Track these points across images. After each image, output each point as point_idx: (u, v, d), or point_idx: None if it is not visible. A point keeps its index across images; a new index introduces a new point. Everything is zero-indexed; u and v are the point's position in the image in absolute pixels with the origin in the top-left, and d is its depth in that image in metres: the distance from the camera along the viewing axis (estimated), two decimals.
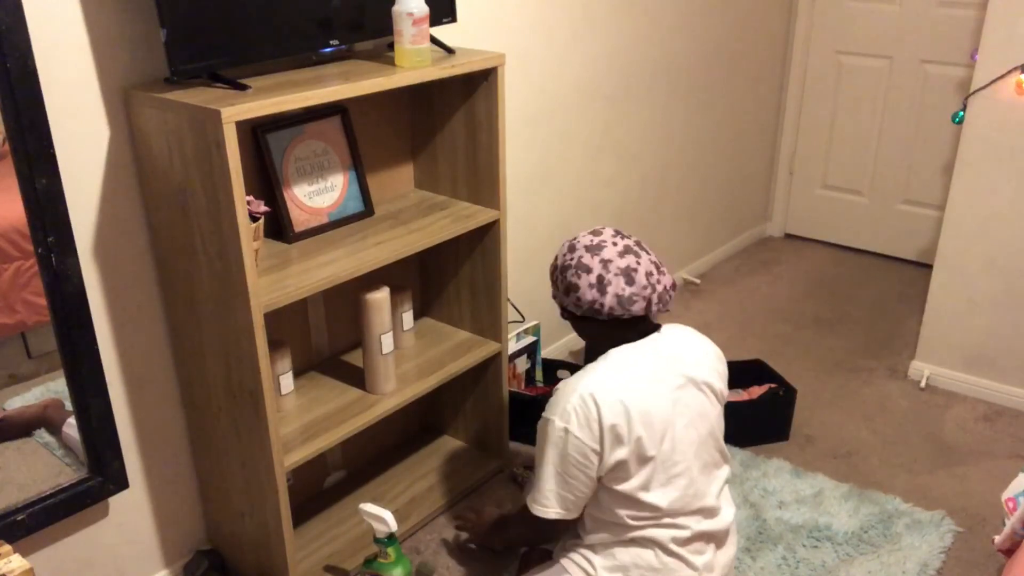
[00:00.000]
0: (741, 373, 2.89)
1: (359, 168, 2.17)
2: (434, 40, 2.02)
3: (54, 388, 1.82)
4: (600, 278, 1.66)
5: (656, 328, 1.77)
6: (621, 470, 1.64)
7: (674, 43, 3.30)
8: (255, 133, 1.98)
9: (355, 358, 2.32)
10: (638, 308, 1.68)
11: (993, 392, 2.94)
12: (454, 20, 2.13)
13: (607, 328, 1.72)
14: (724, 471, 1.81)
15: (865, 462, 2.65)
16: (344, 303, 2.31)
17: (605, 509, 1.71)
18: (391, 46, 1.99)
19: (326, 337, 2.32)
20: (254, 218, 1.81)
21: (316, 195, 2.10)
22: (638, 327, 1.73)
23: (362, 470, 2.53)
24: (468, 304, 2.43)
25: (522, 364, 2.80)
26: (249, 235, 1.68)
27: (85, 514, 1.93)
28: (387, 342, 2.11)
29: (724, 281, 3.88)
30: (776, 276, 3.94)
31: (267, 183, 2.02)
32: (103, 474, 1.90)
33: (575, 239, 1.75)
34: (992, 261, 2.82)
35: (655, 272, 1.70)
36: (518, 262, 2.85)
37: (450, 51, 2.09)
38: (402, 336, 2.35)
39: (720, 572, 1.79)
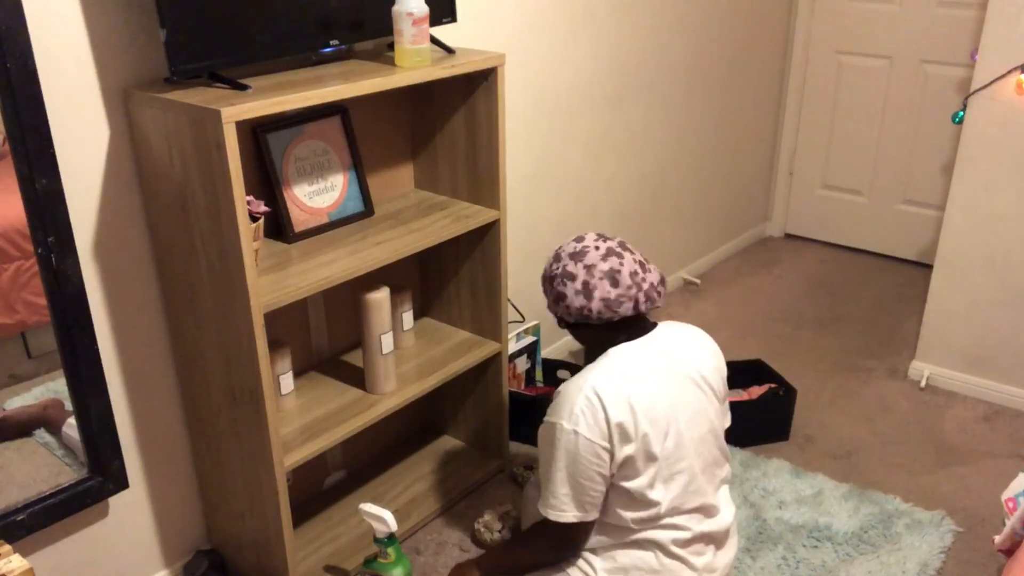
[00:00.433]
0: (741, 373, 2.89)
1: (359, 168, 2.17)
2: (434, 40, 2.02)
3: (54, 388, 1.82)
4: (585, 284, 1.69)
5: (652, 326, 1.78)
6: (630, 467, 1.65)
7: (674, 43, 3.30)
8: (255, 133, 1.98)
9: (355, 358, 2.32)
10: (626, 309, 1.69)
11: (993, 392, 2.94)
12: (454, 20, 2.13)
13: (602, 331, 1.74)
14: (724, 470, 1.81)
15: (865, 462, 2.65)
16: (344, 303, 2.31)
17: (608, 512, 1.71)
18: (391, 46, 1.99)
19: (326, 337, 2.32)
20: (254, 218, 1.81)
21: (316, 195, 2.10)
22: (633, 327, 1.74)
23: (362, 470, 2.53)
24: (468, 304, 2.43)
25: (522, 364, 2.80)
26: (249, 235, 1.68)
27: (85, 514, 1.93)
28: (387, 342, 2.11)
29: (724, 281, 3.88)
30: (776, 276, 3.94)
31: (267, 183, 2.02)
32: (103, 474, 1.90)
33: (560, 248, 1.77)
34: (992, 261, 2.82)
35: (639, 271, 1.71)
36: (518, 262, 2.85)
37: (450, 51, 2.09)
38: (402, 336, 2.35)
39: (720, 574, 1.79)
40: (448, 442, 2.66)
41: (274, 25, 1.79)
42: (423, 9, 1.88)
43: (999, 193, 2.74)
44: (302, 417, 2.07)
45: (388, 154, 2.32)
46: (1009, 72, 2.61)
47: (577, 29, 2.83)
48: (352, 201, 2.17)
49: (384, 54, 2.07)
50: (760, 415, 2.73)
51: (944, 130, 3.71)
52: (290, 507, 1.95)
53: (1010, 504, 1.93)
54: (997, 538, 1.91)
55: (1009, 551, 1.88)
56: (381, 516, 1.99)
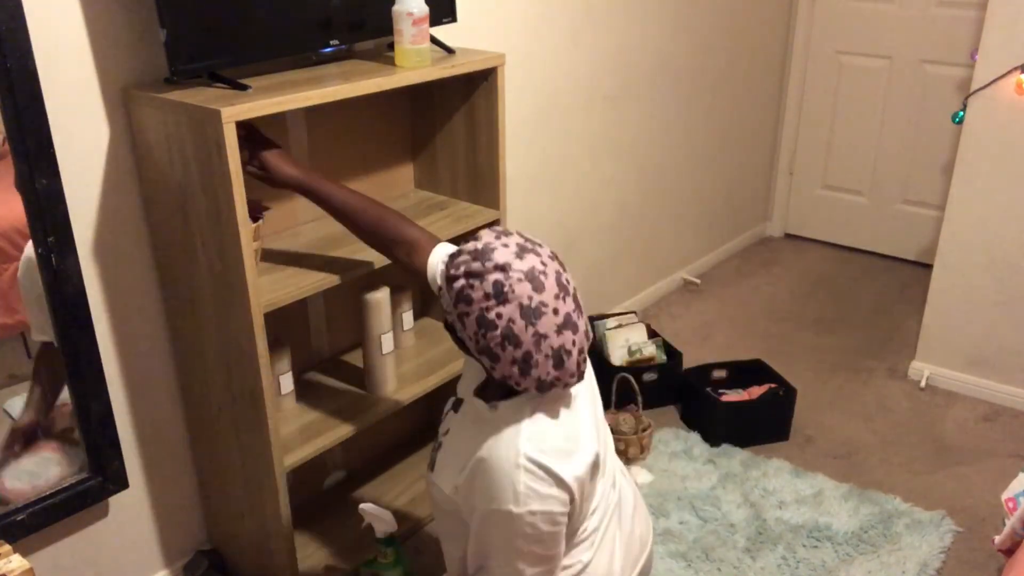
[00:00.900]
0: (741, 373, 2.89)
1: None
2: (434, 40, 2.02)
3: None
4: (527, 356, 1.31)
5: None
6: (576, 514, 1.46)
7: (674, 43, 3.30)
8: None
9: (355, 358, 2.32)
10: (554, 392, 1.38)
11: (993, 392, 2.94)
12: (454, 20, 2.13)
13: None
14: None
15: (865, 462, 2.65)
16: (344, 303, 2.30)
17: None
18: (391, 46, 1.99)
19: (326, 337, 2.32)
20: (254, 218, 1.81)
21: None
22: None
23: (362, 470, 2.53)
24: None
25: None
26: (249, 235, 1.68)
27: (85, 514, 1.93)
28: (387, 342, 2.11)
29: (724, 281, 3.88)
30: (776, 276, 3.94)
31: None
32: (103, 474, 1.90)
33: (507, 278, 1.30)
34: (992, 261, 2.82)
35: (584, 345, 1.37)
36: None
37: (450, 51, 2.09)
38: (402, 336, 2.35)
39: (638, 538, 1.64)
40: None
41: (274, 25, 1.79)
42: (423, 9, 1.88)
43: (999, 193, 2.74)
44: (302, 417, 2.07)
45: (388, 154, 2.32)
46: (1009, 72, 2.61)
47: (577, 29, 2.83)
48: None
49: (384, 54, 2.07)
50: (760, 415, 2.73)
51: (944, 130, 3.71)
52: (290, 507, 1.95)
53: (1010, 504, 1.93)
54: (997, 538, 1.91)
55: (1009, 551, 1.88)
56: (381, 516, 1.98)
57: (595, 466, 1.45)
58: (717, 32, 3.52)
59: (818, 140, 4.12)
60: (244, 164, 1.69)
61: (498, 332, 1.30)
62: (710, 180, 3.81)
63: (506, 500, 1.35)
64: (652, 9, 3.13)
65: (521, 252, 1.34)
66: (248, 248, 1.68)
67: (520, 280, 1.30)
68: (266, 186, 1.80)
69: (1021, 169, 2.69)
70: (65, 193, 1.68)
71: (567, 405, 1.44)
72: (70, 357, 1.78)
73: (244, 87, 1.70)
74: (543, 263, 1.34)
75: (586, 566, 1.52)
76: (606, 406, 2.67)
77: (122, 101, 1.77)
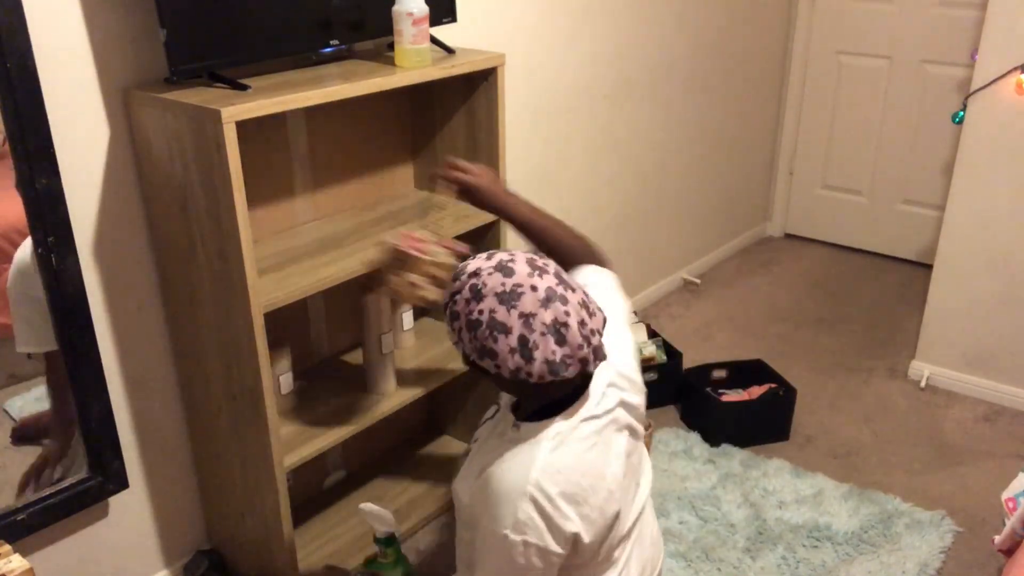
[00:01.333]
0: (741, 373, 2.89)
1: None
2: (434, 40, 2.02)
3: None
4: (523, 339, 1.29)
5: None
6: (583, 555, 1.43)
7: (674, 43, 3.30)
8: None
9: (355, 358, 2.31)
10: (571, 372, 1.32)
11: (993, 392, 2.94)
12: (454, 20, 2.13)
13: (537, 389, 1.35)
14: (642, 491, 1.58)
15: (865, 462, 2.64)
16: (344, 303, 2.30)
17: None
18: (391, 46, 1.99)
19: (326, 337, 2.32)
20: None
21: None
22: (575, 380, 1.37)
23: (362, 470, 2.53)
24: None
25: None
26: (249, 235, 1.67)
27: (85, 514, 1.93)
28: (387, 342, 2.11)
29: (724, 281, 3.88)
30: (776, 276, 3.94)
31: None
32: (103, 474, 1.90)
33: (478, 278, 1.33)
34: (992, 261, 2.82)
35: (587, 318, 1.33)
36: None
37: (450, 51, 2.09)
38: (402, 336, 2.35)
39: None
40: (448, 442, 2.66)
41: (274, 25, 1.79)
42: (423, 9, 1.88)
43: (999, 193, 2.74)
44: (302, 417, 2.07)
45: (388, 154, 2.32)
46: (1009, 72, 2.61)
47: (577, 29, 2.83)
48: None
49: (384, 54, 2.07)
50: (760, 415, 2.73)
51: (944, 130, 3.71)
52: (290, 507, 1.95)
53: (1010, 504, 1.93)
54: (997, 538, 1.91)
55: (1009, 551, 1.88)
56: (381, 516, 1.98)
57: (611, 522, 1.42)
58: (717, 32, 3.52)
59: (818, 140, 4.12)
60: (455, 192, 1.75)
61: (484, 326, 1.30)
62: (710, 180, 3.81)
63: (504, 524, 1.34)
64: (652, 9, 3.12)
65: (490, 256, 1.37)
66: (248, 248, 1.68)
67: (490, 274, 1.32)
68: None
69: (1021, 169, 2.69)
70: (65, 193, 1.68)
71: (599, 450, 1.40)
72: (70, 357, 1.78)
73: (244, 87, 1.70)
74: (511, 255, 1.36)
75: None
76: None
77: (122, 101, 1.77)
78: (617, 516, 1.44)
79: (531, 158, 2.81)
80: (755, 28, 3.75)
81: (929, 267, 3.06)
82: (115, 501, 1.98)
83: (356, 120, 2.20)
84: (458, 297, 1.34)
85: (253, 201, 1.99)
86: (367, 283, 1.89)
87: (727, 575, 2.19)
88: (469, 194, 1.74)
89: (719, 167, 3.84)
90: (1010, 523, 1.87)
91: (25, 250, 1.70)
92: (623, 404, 1.46)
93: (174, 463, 2.10)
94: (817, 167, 4.17)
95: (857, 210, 4.11)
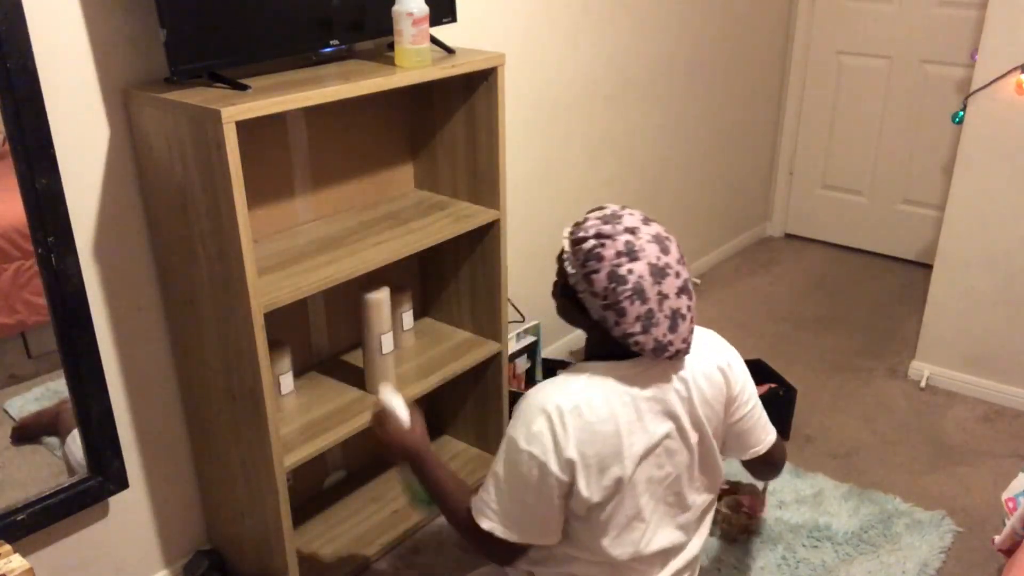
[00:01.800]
0: None
1: None
2: (434, 40, 2.02)
3: (54, 388, 1.82)
4: (650, 314, 1.38)
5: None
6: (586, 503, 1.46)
7: (674, 43, 3.30)
8: None
9: (355, 358, 2.31)
10: (663, 355, 1.42)
11: (993, 392, 2.94)
12: (454, 20, 2.13)
13: (615, 343, 1.44)
14: (690, 511, 1.59)
15: (865, 462, 2.64)
16: (344, 303, 2.30)
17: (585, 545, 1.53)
18: (391, 46, 1.99)
19: (326, 337, 2.32)
20: None
21: None
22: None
23: (362, 470, 2.53)
24: (468, 304, 2.43)
25: (522, 364, 2.80)
26: (249, 235, 1.67)
27: (85, 514, 1.93)
28: (387, 342, 2.11)
29: (724, 281, 3.88)
30: (776, 276, 3.94)
31: None
32: (103, 474, 1.90)
33: (636, 238, 1.40)
34: (992, 261, 2.82)
35: (694, 317, 1.45)
36: (518, 262, 2.85)
37: (450, 51, 2.09)
38: (402, 336, 2.35)
39: None
40: (448, 442, 2.66)
41: (274, 25, 1.79)
42: (423, 9, 1.88)
43: (999, 193, 2.74)
44: (302, 417, 2.07)
45: (388, 154, 2.32)
46: (1009, 72, 2.61)
47: (577, 29, 2.83)
48: None
49: (384, 54, 2.07)
50: None
51: (944, 130, 3.71)
52: (290, 507, 1.95)
53: (1010, 504, 1.93)
54: (997, 538, 1.92)
55: (1009, 551, 1.88)
56: (395, 407, 1.69)
57: (611, 488, 1.44)
58: (717, 32, 3.52)
59: (818, 140, 4.12)
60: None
61: (629, 286, 1.37)
62: (710, 180, 3.81)
63: (519, 432, 1.43)
64: (652, 9, 3.12)
65: (646, 220, 1.45)
66: (248, 248, 1.68)
67: (649, 241, 1.40)
68: None
69: (1021, 169, 2.69)
70: (65, 193, 1.68)
71: (627, 411, 1.43)
72: (70, 357, 1.78)
73: (244, 87, 1.70)
74: (666, 233, 1.45)
75: None
76: None
77: (122, 101, 1.77)
78: (619, 485, 1.45)
79: (531, 158, 2.82)
80: (755, 28, 3.75)
81: (929, 267, 3.06)
82: (115, 501, 1.98)
83: (356, 120, 2.20)
84: (607, 243, 1.39)
85: (253, 201, 1.99)
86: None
87: (727, 575, 2.19)
88: (386, 437, 1.65)
89: (719, 167, 3.84)
90: (1010, 523, 1.87)
91: None
92: (684, 406, 1.50)
93: (174, 463, 2.10)
94: (817, 167, 4.17)
95: (857, 210, 4.11)
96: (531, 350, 2.83)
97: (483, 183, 2.25)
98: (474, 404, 2.56)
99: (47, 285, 1.72)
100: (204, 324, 1.86)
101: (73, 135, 1.71)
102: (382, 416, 1.66)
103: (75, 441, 1.87)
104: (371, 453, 2.56)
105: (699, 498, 1.59)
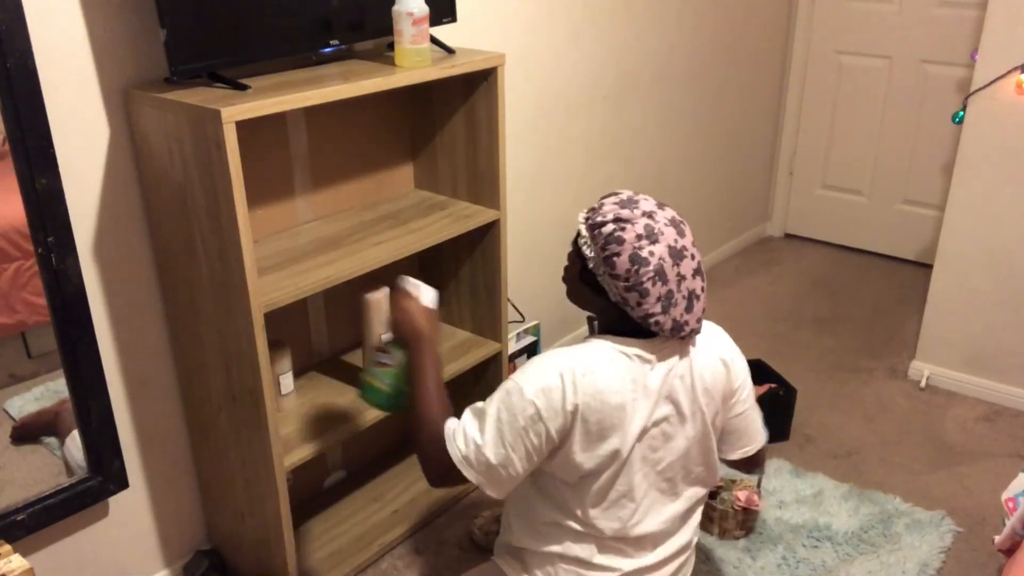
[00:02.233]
0: None
1: None
2: (434, 40, 2.02)
3: (54, 388, 1.82)
4: (670, 294, 1.43)
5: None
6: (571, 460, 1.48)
7: (674, 43, 3.30)
8: None
9: (355, 358, 2.31)
10: (679, 335, 1.48)
11: (993, 392, 2.94)
12: (454, 20, 2.13)
13: (629, 319, 1.47)
14: (681, 500, 1.61)
15: (865, 462, 2.64)
16: (344, 303, 2.30)
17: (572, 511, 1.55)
18: (391, 46, 1.99)
19: (326, 337, 2.32)
20: None
21: None
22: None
23: (362, 470, 2.53)
24: (468, 304, 2.43)
25: (522, 364, 2.80)
26: (249, 235, 1.67)
27: (85, 514, 1.93)
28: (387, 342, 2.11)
29: (724, 281, 3.88)
30: (776, 276, 3.94)
31: None
32: (103, 474, 1.90)
33: (654, 221, 1.43)
34: (992, 261, 2.82)
35: (704, 303, 1.51)
36: (518, 262, 2.85)
37: (450, 51, 2.09)
38: None
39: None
40: None
41: (274, 25, 1.79)
42: (423, 9, 1.88)
43: (999, 193, 2.74)
44: (302, 417, 2.07)
45: (388, 154, 2.32)
46: (1009, 72, 2.61)
47: (577, 29, 2.83)
48: None
49: (384, 54, 2.07)
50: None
51: (944, 130, 3.71)
52: (290, 507, 1.95)
53: (1010, 504, 1.93)
54: (997, 538, 1.91)
55: (1009, 551, 1.88)
56: (419, 289, 1.68)
57: (608, 456, 1.47)
58: (717, 32, 3.52)
59: (818, 140, 4.12)
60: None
61: (651, 267, 1.41)
62: (710, 180, 3.81)
63: (529, 381, 1.45)
64: (652, 9, 3.12)
65: (661, 205, 1.49)
66: (248, 248, 1.68)
67: (667, 225, 1.44)
68: None
69: (1021, 169, 2.69)
70: (65, 193, 1.68)
71: (631, 382, 1.46)
72: (70, 357, 1.78)
73: (244, 87, 1.70)
74: (680, 217, 1.49)
75: None
76: None
77: (122, 101, 1.77)
78: (614, 457, 1.47)
79: (531, 158, 2.82)
80: (755, 28, 3.75)
81: (929, 267, 3.06)
82: (115, 501, 1.98)
83: (356, 120, 2.20)
84: (626, 226, 1.43)
85: (253, 201, 1.99)
86: None
87: (727, 575, 2.19)
88: (400, 309, 1.66)
89: (719, 167, 3.84)
90: (1010, 523, 1.86)
91: None
92: (687, 393, 1.53)
93: (174, 463, 2.10)
94: (817, 167, 4.17)
95: (857, 210, 4.11)
96: (531, 350, 2.83)
97: (483, 183, 2.25)
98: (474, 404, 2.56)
99: (47, 285, 1.72)
100: (204, 324, 1.86)
101: (73, 135, 1.71)
102: (405, 294, 1.67)
103: (75, 441, 1.87)
104: (371, 453, 2.56)
105: (691, 490, 1.61)
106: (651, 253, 1.41)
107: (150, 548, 2.11)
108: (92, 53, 1.70)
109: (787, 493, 2.47)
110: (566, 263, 1.58)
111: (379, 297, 2.07)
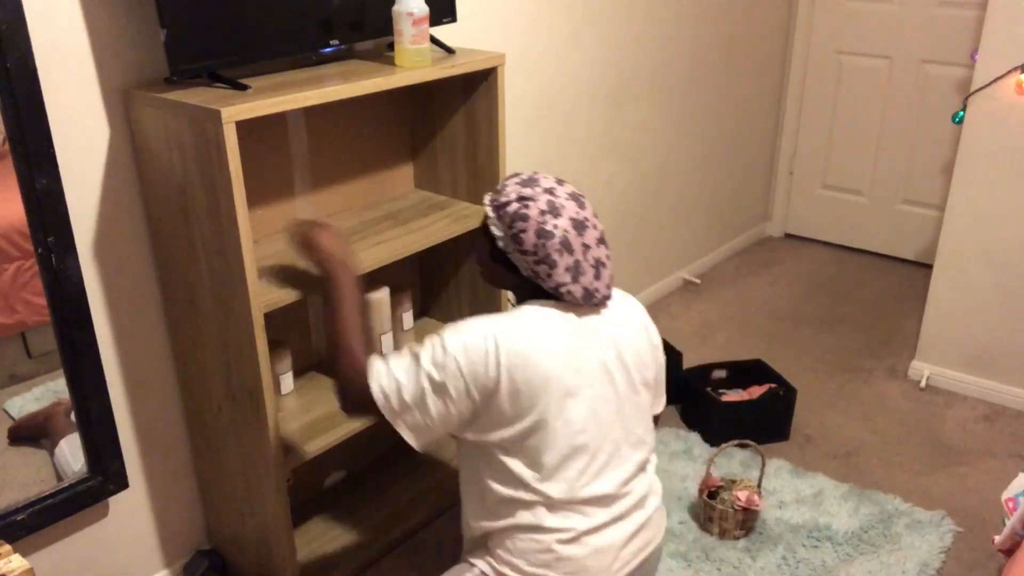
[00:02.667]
0: (741, 373, 2.89)
1: None
2: (434, 40, 2.02)
3: (54, 388, 1.82)
4: (578, 264, 1.51)
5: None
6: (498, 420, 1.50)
7: (674, 43, 3.30)
8: None
9: None
10: (591, 301, 1.54)
11: (993, 392, 2.94)
12: (454, 20, 2.13)
13: (544, 291, 1.55)
14: (627, 463, 1.62)
15: (865, 462, 2.64)
16: None
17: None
18: (391, 46, 1.99)
19: (326, 337, 2.32)
20: None
21: None
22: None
23: (362, 470, 2.53)
24: (468, 304, 2.43)
25: None
26: (249, 235, 1.67)
27: (85, 514, 1.93)
28: (387, 342, 2.11)
29: (724, 281, 3.88)
30: (776, 276, 3.94)
31: None
32: (103, 474, 1.90)
33: (554, 197, 1.52)
34: (992, 261, 2.82)
35: (611, 271, 1.58)
36: None
37: (450, 51, 2.09)
38: (402, 336, 2.35)
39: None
40: (447, 442, 2.66)
41: (274, 25, 1.79)
42: (423, 9, 1.88)
43: (999, 193, 2.74)
44: (302, 417, 2.07)
45: (388, 154, 2.32)
46: (1009, 72, 2.61)
47: (577, 29, 2.83)
48: None
49: (384, 54, 2.07)
50: (760, 415, 2.73)
51: (944, 130, 3.71)
52: (290, 507, 1.95)
53: (1010, 504, 1.93)
54: (997, 538, 1.91)
55: (1009, 551, 1.88)
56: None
57: (538, 384, 1.49)
58: (717, 32, 3.52)
59: (818, 140, 4.12)
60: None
61: (556, 239, 1.49)
62: (710, 180, 3.81)
63: (454, 338, 1.48)
64: (652, 9, 3.13)
65: (560, 181, 1.58)
66: (248, 248, 1.68)
67: (567, 199, 1.53)
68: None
69: (1021, 169, 2.69)
70: (65, 193, 1.68)
71: (568, 352, 1.50)
72: (70, 357, 1.78)
73: (244, 87, 1.70)
74: (579, 191, 1.58)
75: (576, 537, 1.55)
76: None
77: (122, 101, 1.77)
78: (543, 415, 1.49)
79: (531, 158, 2.81)
80: (755, 28, 3.75)
81: (929, 267, 3.07)
82: (115, 501, 1.98)
83: (356, 120, 2.20)
84: (529, 204, 1.51)
85: (253, 201, 1.99)
86: None
87: (727, 575, 2.19)
88: (307, 247, 1.68)
89: (719, 167, 3.84)
90: (1010, 523, 1.86)
91: None
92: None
93: (174, 463, 2.10)
94: (817, 167, 4.17)
95: (857, 210, 4.11)
96: None
97: (483, 183, 2.25)
98: None
99: (47, 285, 1.72)
100: (204, 324, 1.86)
101: (73, 135, 1.71)
102: (312, 224, 1.68)
103: (67, 446, 1.87)
104: (371, 453, 2.56)
105: (635, 453, 1.62)
106: (555, 226, 1.50)
107: (150, 548, 2.11)
108: (92, 53, 1.70)
109: (787, 493, 2.47)
110: (477, 246, 1.64)
111: (379, 297, 2.07)
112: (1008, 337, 2.87)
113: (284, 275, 1.87)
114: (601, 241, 1.56)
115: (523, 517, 1.56)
